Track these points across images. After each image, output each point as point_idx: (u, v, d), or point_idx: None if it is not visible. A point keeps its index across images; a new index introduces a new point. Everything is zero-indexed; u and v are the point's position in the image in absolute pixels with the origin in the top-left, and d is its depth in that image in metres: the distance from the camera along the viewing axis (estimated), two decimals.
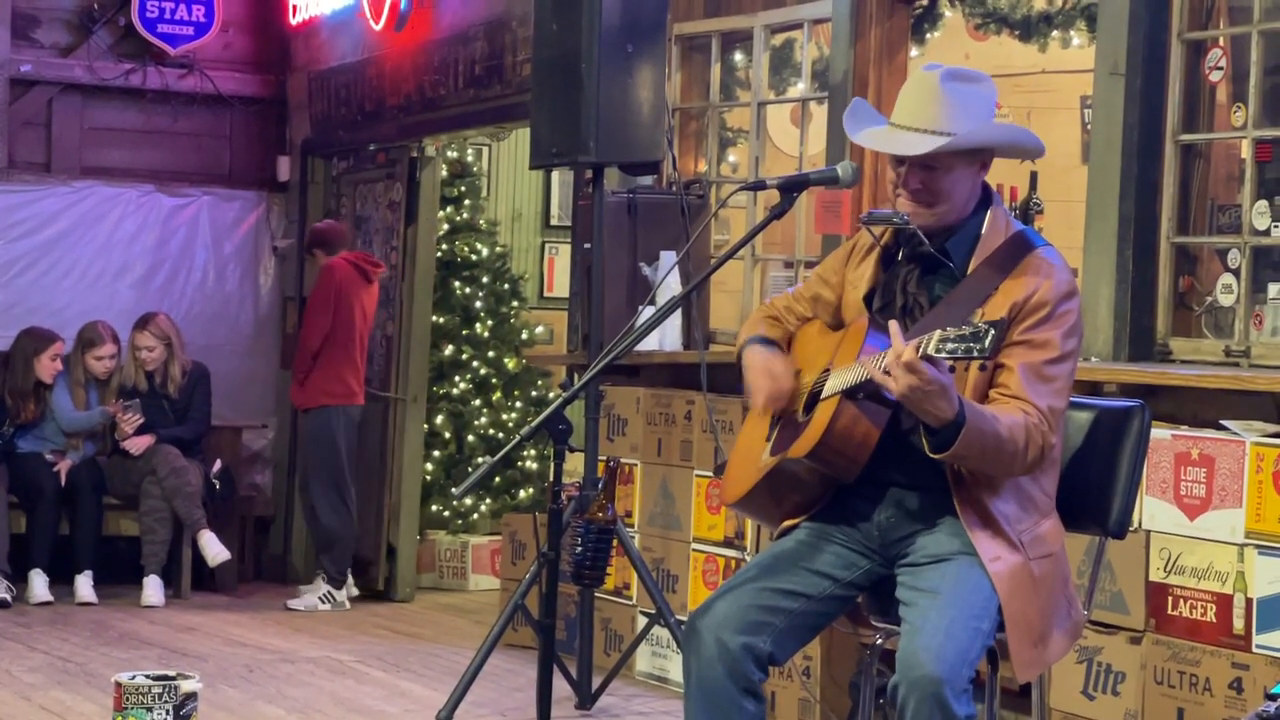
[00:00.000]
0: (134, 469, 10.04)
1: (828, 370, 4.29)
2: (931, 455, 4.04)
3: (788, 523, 4.44)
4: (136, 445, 10.04)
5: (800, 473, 4.28)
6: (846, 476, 4.25)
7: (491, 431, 11.03)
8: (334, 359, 10.06)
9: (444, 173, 10.90)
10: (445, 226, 11.04)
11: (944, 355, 3.86)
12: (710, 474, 7.42)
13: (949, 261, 4.28)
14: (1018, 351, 4.14)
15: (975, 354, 3.83)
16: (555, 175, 12.02)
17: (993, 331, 3.81)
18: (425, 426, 10.66)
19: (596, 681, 7.32)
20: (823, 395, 4.23)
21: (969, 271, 4.25)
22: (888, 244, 4.40)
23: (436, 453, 10.90)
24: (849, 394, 4.16)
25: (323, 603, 9.94)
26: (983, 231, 4.28)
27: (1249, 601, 5.47)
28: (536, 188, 12.38)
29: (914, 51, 7.82)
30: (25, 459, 10.06)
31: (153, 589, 9.89)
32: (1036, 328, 4.15)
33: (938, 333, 3.88)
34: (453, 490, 10.41)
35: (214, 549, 9.92)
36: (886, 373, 3.94)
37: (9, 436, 10.09)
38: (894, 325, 3.98)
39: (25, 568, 9.84)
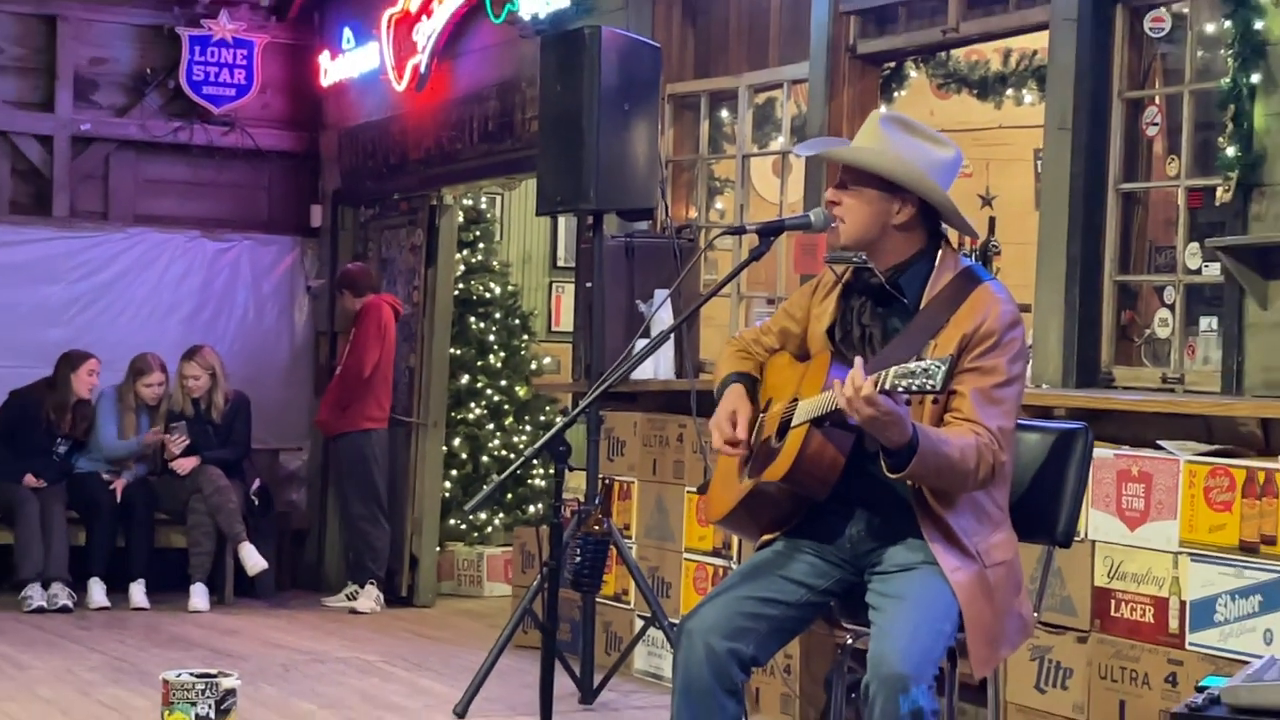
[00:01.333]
0: (181, 488, 10.05)
1: (796, 399, 4.28)
2: (890, 475, 4.04)
3: (767, 536, 4.42)
4: (184, 466, 10.05)
5: (775, 494, 4.27)
6: (818, 496, 4.24)
7: (504, 453, 11.02)
8: (374, 387, 10.14)
9: (460, 219, 10.91)
10: (462, 267, 11.04)
11: (900, 389, 3.87)
12: (698, 489, 7.40)
13: (901, 296, 4.28)
14: (968, 378, 4.13)
15: (927, 389, 3.82)
16: (561, 221, 12.01)
17: (943, 368, 3.81)
18: (444, 448, 10.66)
19: (598, 678, 7.31)
20: (793, 424, 4.22)
21: (921, 306, 4.24)
22: (848, 280, 4.41)
23: (454, 472, 10.89)
24: (816, 422, 4.16)
25: (377, 605, 9.97)
26: (934, 269, 4.28)
27: (1183, 604, 5.47)
28: (544, 232, 12.39)
29: (883, 109, 7.84)
30: (84, 478, 10.08)
31: (199, 596, 9.89)
32: (985, 355, 4.14)
33: (894, 369, 3.88)
34: (464, 506, 10.41)
35: (253, 559, 9.93)
36: (849, 405, 3.94)
37: (64, 455, 10.10)
38: (858, 362, 3.97)
39: (84, 576, 9.84)
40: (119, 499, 10.00)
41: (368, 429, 10.18)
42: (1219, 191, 5.92)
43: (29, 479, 9.91)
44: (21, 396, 10.16)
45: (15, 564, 9.75)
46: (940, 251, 4.29)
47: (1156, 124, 6.47)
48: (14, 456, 9.98)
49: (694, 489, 7.50)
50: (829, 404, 4.08)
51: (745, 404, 4.40)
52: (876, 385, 3.89)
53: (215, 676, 5.91)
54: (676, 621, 6.80)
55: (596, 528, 6.87)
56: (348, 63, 11.20)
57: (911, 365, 3.85)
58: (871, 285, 4.32)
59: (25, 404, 10.12)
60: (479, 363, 11.09)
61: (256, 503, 10.38)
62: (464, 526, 10.90)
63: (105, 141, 11.30)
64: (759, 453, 4.35)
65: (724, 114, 8.59)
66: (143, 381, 10.23)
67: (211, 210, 11.60)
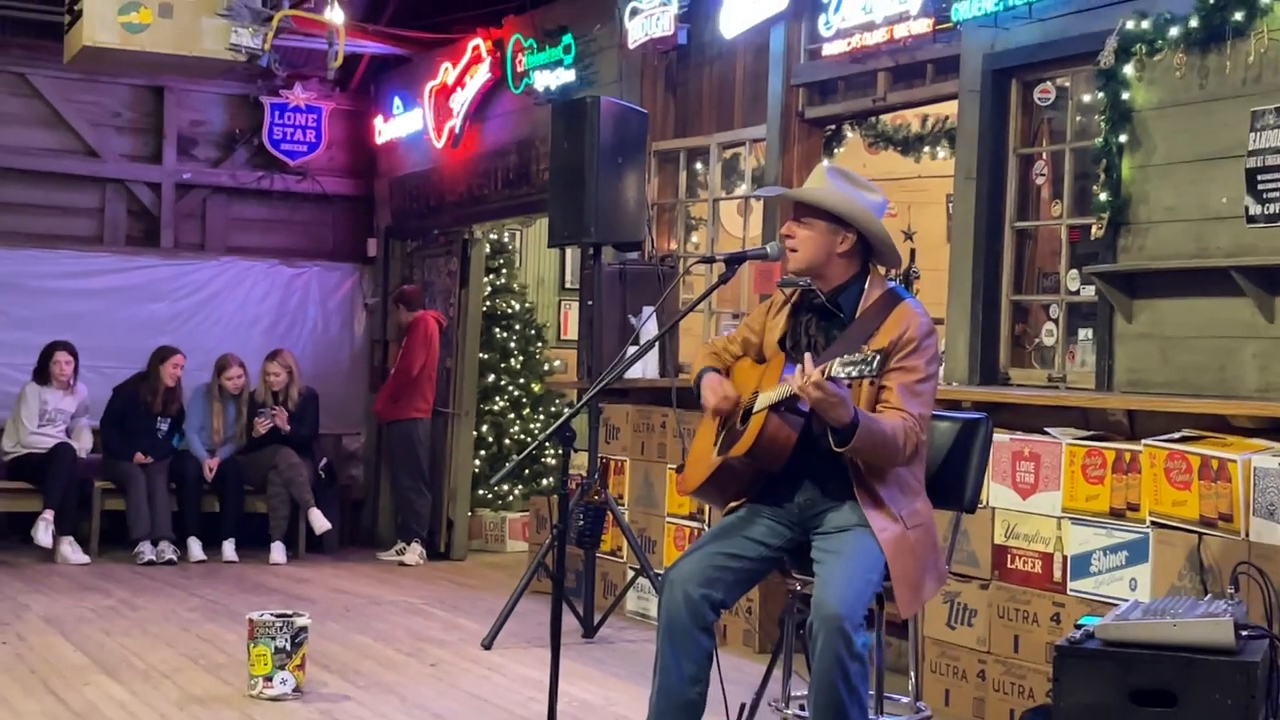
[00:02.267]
0: (261, 465, 10.03)
1: (757, 392, 4.29)
2: (835, 449, 4.04)
3: (733, 504, 4.43)
4: (279, 417, 10.03)
5: (739, 467, 4.27)
6: (774, 469, 4.24)
7: (522, 437, 11.02)
8: (420, 384, 10.14)
9: (488, 249, 10.91)
10: (489, 289, 11.04)
11: (843, 375, 3.87)
12: (677, 468, 7.39)
13: (840, 312, 4.29)
14: (894, 376, 4.15)
15: (867, 373, 3.83)
16: (568, 251, 12.02)
17: (878, 358, 3.83)
18: (474, 434, 10.66)
19: (597, 618, 7.31)
20: (754, 410, 4.23)
21: (856, 317, 4.26)
22: (796, 301, 4.42)
23: (482, 452, 10.89)
24: (774, 408, 4.16)
25: (420, 559, 9.96)
26: (865, 290, 4.30)
27: (1065, 558, 5.47)
28: (554, 261, 12.39)
29: (825, 162, 7.82)
30: (180, 456, 10.06)
31: (278, 551, 9.87)
32: (907, 357, 4.16)
33: (838, 359, 3.89)
34: (492, 479, 10.43)
35: (319, 522, 9.90)
36: (802, 390, 3.95)
37: (165, 433, 10.08)
38: (808, 356, 3.99)
39: (185, 536, 9.82)
40: (212, 475, 9.97)
41: (415, 418, 10.18)
42: (1094, 228, 5.93)
43: (138, 457, 9.89)
44: (124, 389, 10.14)
45: (129, 526, 9.74)
46: (869, 276, 4.32)
47: (1044, 174, 6.48)
48: (124, 438, 9.96)
49: (674, 467, 7.50)
50: (784, 393, 4.09)
51: (725, 380, 4.42)
52: (824, 373, 3.90)
53: (291, 616, 5.91)
54: (660, 572, 6.82)
55: (596, 497, 6.87)
56: (397, 125, 11.19)
57: (853, 355, 3.86)
58: (815, 304, 4.34)
59: (127, 394, 10.10)
60: (502, 365, 11.09)
61: (324, 476, 10.36)
62: (490, 496, 10.89)
63: (202, 188, 11.29)
64: (726, 435, 4.36)
65: (698, 166, 8.59)
66: (225, 375, 10.22)
67: (287, 242, 11.59)
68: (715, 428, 4.46)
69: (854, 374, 3.84)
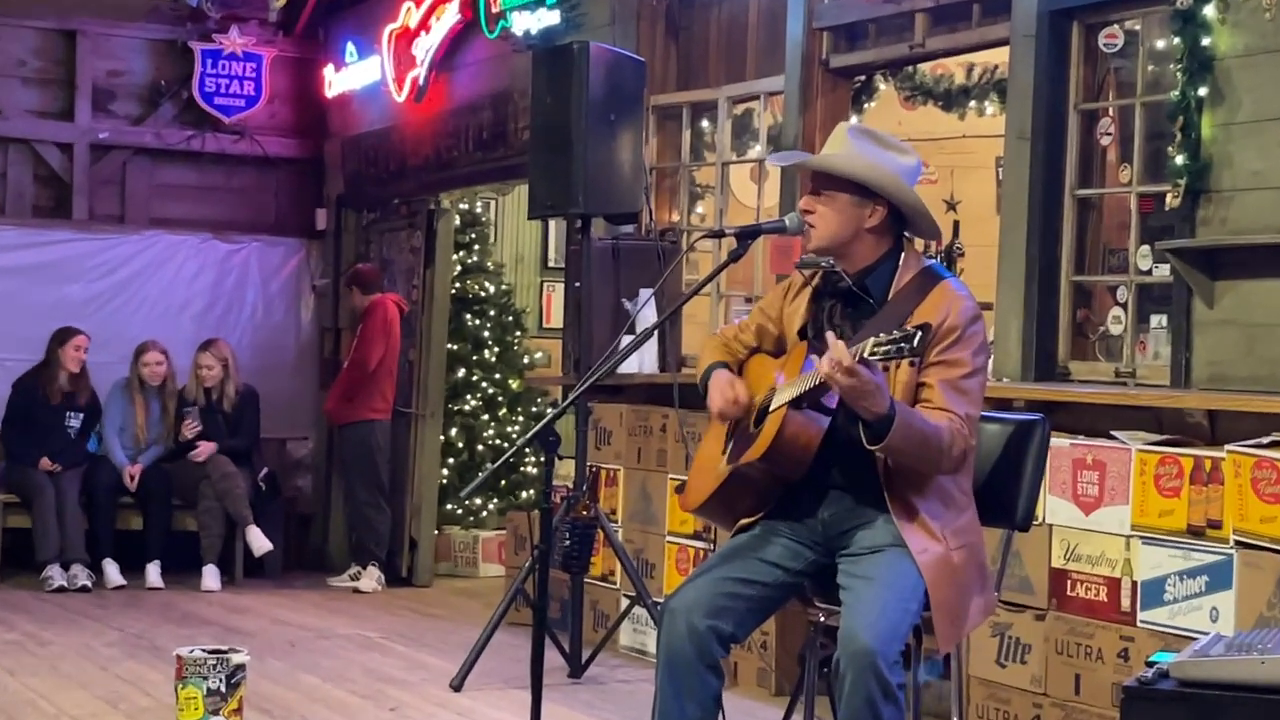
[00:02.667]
0: (191, 474, 10.03)
1: (773, 388, 4.28)
2: (868, 446, 4.03)
3: (744, 521, 4.42)
4: (201, 454, 10.03)
5: (754, 476, 4.26)
6: (794, 477, 4.24)
7: (498, 442, 11.02)
8: (379, 380, 10.14)
9: (457, 222, 10.90)
10: (458, 268, 11.03)
11: (879, 357, 3.85)
12: (683, 476, 7.40)
13: (868, 297, 4.28)
14: (936, 371, 4.13)
15: (906, 353, 3.80)
16: (551, 224, 12.02)
17: (920, 334, 3.78)
18: (441, 438, 10.65)
19: (586, 654, 7.30)
20: (771, 408, 4.23)
21: (887, 301, 4.25)
22: (817, 285, 4.41)
23: (451, 460, 10.88)
24: (794, 404, 4.15)
25: (378, 585, 9.97)
26: (898, 268, 4.28)
27: (1134, 584, 5.48)
28: (535, 235, 12.39)
29: (853, 119, 7.84)
30: (96, 462, 10.06)
31: (210, 576, 9.87)
32: (949, 349, 4.14)
33: (872, 339, 3.87)
34: (461, 492, 10.41)
35: (259, 542, 9.91)
36: (831, 377, 3.93)
37: (78, 430, 10.07)
38: (831, 337, 3.97)
39: (99, 558, 9.83)
40: (134, 485, 9.98)
41: (372, 419, 10.18)
42: (1168, 197, 5.93)
43: (44, 463, 9.89)
44: (24, 382, 10.16)
45: (35, 546, 9.74)
46: (903, 253, 4.31)
47: (1110, 134, 6.48)
48: (27, 441, 9.96)
49: (677, 476, 7.49)
50: (807, 384, 4.08)
51: (737, 379, 4.41)
52: (857, 356, 3.89)
53: (226, 652, 5.90)
54: (660, 600, 6.81)
55: (584, 513, 6.88)
56: (351, 75, 11.18)
57: (890, 334, 3.85)
58: (840, 288, 4.33)
59: (28, 389, 10.12)
60: (474, 357, 11.09)
61: (264, 488, 10.36)
62: (460, 511, 10.89)
63: (122, 149, 11.28)
64: (737, 440, 4.35)
65: (704, 124, 8.58)
66: (142, 360, 10.22)
67: (222, 214, 11.58)
68: (724, 433, 4.46)
69: (891, 353, 3.82)
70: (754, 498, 4.35)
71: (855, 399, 3.95)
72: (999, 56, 7.59)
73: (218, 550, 9.97)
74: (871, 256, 4.29)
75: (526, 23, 9.12)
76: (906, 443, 4.01)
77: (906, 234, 4.35)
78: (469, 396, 11.03)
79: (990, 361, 5.94)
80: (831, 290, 4.36)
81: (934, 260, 4.47)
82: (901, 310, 4.19)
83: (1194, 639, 4.58)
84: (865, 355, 3.87)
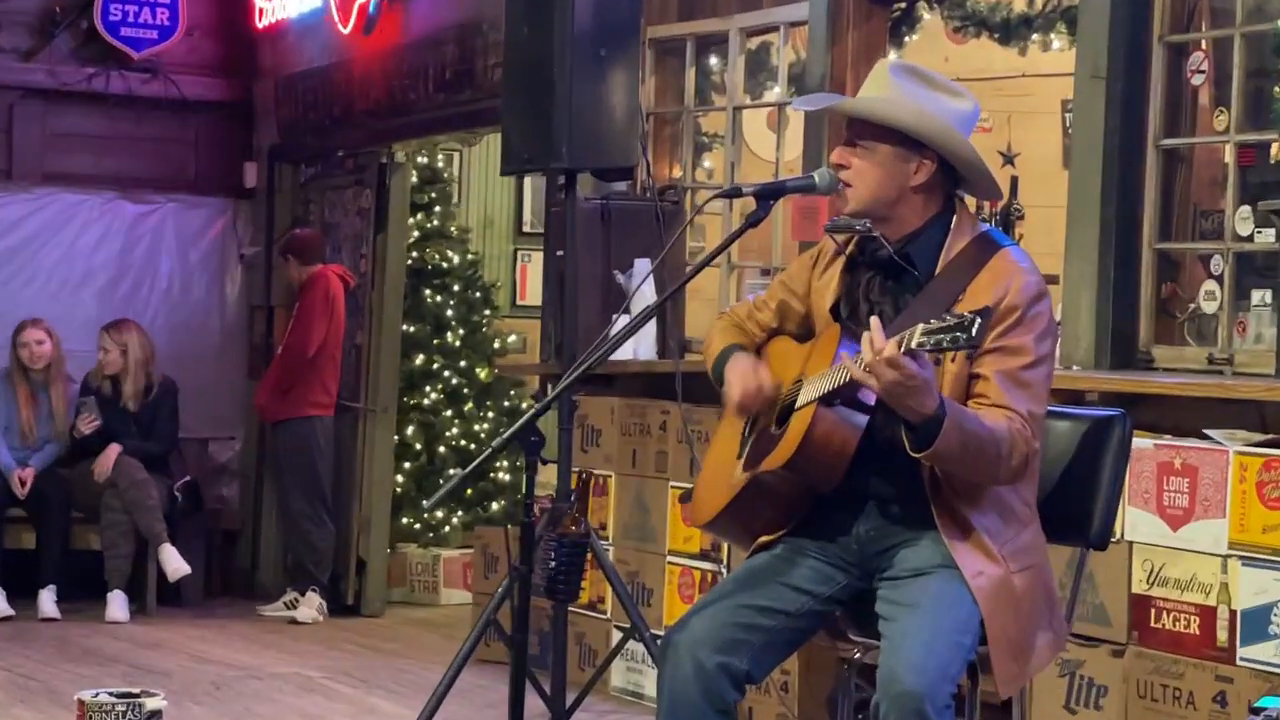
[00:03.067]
0: (95, 481, 10.02)
1: (799, 381, 4.28)
2: (913, 454, 4.03)
3: (764, 539, 4.42)
4: (104, 464, 9.99)
5: (776, 485, 4.26)
6: (825, 487, 4.24)
7: (463, 443, 11.03)
8: (320, 369, 10.14)
9: (414, 179, 10.89)
10: (415, 233, 11.04)
11: (929, 348, 3.84)
12: (686, 483, 7.40)
13: (912, 268, 4.28)
14: (993, 359, 4.13)
15: (962, 343, 3.80)
16: (527, 181, 12.03)
17: (979, 320, 3.77)
18: (395, 438, 10.66)
19: (571, 697, 7.28)
20: (798, 404, 4.22)
21: (935, 274, 4.24)
22: (852, 252, 4.40)
23: (407, 464, 10.89)
24: (825, 400, 4.15)
25: (319, 615, 9.98)
26: (948, 234, 4.28)
27: (1233, 614, 5.47)
28: (508, 194, 12.39)
29: (892, 55, 7.83)
30: None
31: (117, 604, 9.87)
32: (1009, 333, 4.13)
33: (920, 326, 3.86)
34: (423, 503, 10.42)
35: (174, 563, 9.90)
36: (868, 370, 3.92)
37: None
38: (875, 321, 3.96)
39: None
40: (25, 493, 9.96)
41: (311, 415, 10.18)
42: (1274, 148, 5.94)
43: None
44: None
45: None
46: (955, 216, 4.30)
47: (1203, 71, 6.47)
48: None
49: (679, 484, 7.50)
50: (841, 377, 4.08)
51: (761, 363, 4.40)
52: (900, 346, 3.88)
53: (137, 696, 5.91)
54: (660, 634, 6.81)
55: (573, 528, 6.85)
56: (287, 1, 11.17)
57: (942, 321, 3.84)
58: (879, 257, 4.32)
59: None
60: (435, 341, 11.09)
61: (180, 499, 10.35)
62: (418, 526, 10.90)
63: (8, 90, 11.26)
64: (756, 442, 4.35)
65: (712, 60, 8.58)
66: (20, 341, 10.18)
67: (131, 168, 11.57)
68: (739, 433, 4.46)
69: (944, 343, 3.82)
70: (776, 511, 4.35)
71: (898, 398, 3.94)
72: None
73: (126, 574, 9.97)
74: (917, 220, 4.29)
75: None
76: (958, 450, 4.01)
77: (959, 192, 4.36)
78: (428, 388, 11.04)
79: (1058, 347, 5.96)
80: (869, 260, 4.36)
81: (989, 225, 4.47)
82: (952, 285, 4.19)
83: None
84: (912, 345, 3.86)
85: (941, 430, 3.96)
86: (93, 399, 10.18)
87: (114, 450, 10.04)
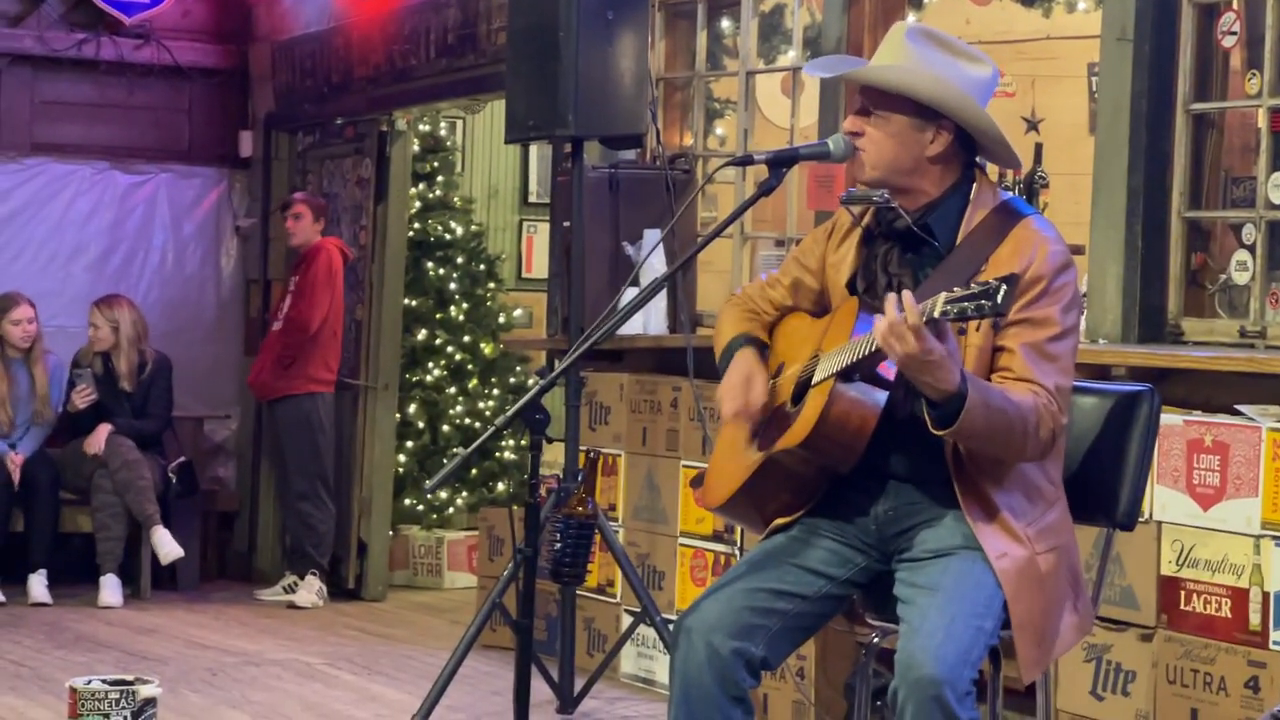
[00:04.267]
0: (85, 461, 10.03)
1: (815, 357, 4.28)
2: (935, 432, 4.02)
3: (779, 521, 4.42)
4: (95, 442, 10.00)
5: (792, 465, 4.27)
6: (843, 466, 4.24)
7: (467, 421, 11.03)
8: (322, 344, 10.14)
9: (415, 147, 10.88)
10: (417, 204, 11.04)
11: (953, 316, 3.84)
12: (698, 462, 7.40)
13: (932, 239, 4.28)
14: (1017, 332, 4.13)
15: (987, 311, 3.79)
16: (533, 149, 12.01)
17: (1004, 287, 3.76)
18: (397, 416, 10.67)
19: (579, 684, 7.31)
20: (814, 381, 4.22)
21: (956, 246, 4.24)
22: (869, 224, 4.40)
23: (409, 443, 10.90)
24: (844, 375, 4.14)
25: (319, 599, 9.99)
26: (968, 204, 4.28)
27: (1266, 596, 5.48)
28: (513, 163, 12.37)
29: (911, 17, 7.82)
30: None
31: (110, 589, 9.88)
32: (1033, 304, 4.13)
33: (943, 294, 3.86)
34: (426, 483, 10.42)
35: (167, 546, 9.90)
36: (891, 334, 3.91)
37: None
38: (892, 295, 3.95)
39: None
40: (16, 479, 9.94)
41: (313, 392, 10.17)
42: None
43: None
44: None
45: None
46: (975, 185, 4.31)
47: (1234, 33, 6.45)
48: None
49: (691, 463, 7.50)
50: (859, 351, 4.08)
51: (760, 368, 4.42)
52: (922, 315, 3.87)
53: (131, 683, 5.91)
54: (672, 618, 6.82)
55: (580, 509, 6.86)
56: None
57: (966, 289, 3.83)
58: (897, 228, 4.33)
59: None
60: (438, 315, 11.09)
61: (174, 480, 10.35)
62: (421, 507, 10.91)
63: None
64: (770, 422, 4.35)
65: (724, 24, 8.57)
66: (11, 319, 10.15)
67: (123, 137, 11.56)
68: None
69: (969, 312, 3.81)
70: (791, 492, 4.36)
71: (918, 372, 3.94)
72: None
73: (118, 557, 9.98)
74: (936, 190, 4.30)
75: None
76: (983, 427, 4.01)
77: (978, 160, 4.36)
78: (431, 365, 11.04)
79: (1084, 319, 5.95)
80: (887, 231, 4.36)
81: (1011, 193, 4.46)
82: (974, 256, 4.19)
83: None
84: (935, 314, 3.85)
85: (965, 407, 3.95)
86: (88, 371, 10.17)
87: (104, 429, 10.04)
